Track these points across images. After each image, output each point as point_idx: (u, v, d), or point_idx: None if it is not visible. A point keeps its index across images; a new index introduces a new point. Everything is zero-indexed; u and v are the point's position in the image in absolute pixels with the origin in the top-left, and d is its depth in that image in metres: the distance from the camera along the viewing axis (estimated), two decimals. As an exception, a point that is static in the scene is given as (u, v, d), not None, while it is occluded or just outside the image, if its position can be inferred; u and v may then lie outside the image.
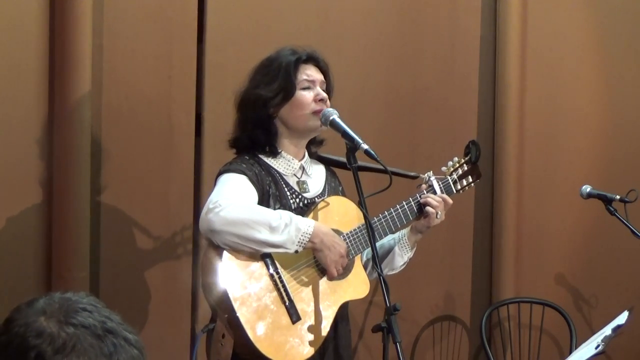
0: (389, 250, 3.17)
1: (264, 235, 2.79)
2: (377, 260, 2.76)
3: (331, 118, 2.94)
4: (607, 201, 4.00)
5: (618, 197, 3.97)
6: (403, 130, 4.37)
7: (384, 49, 4.31)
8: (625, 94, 4.70)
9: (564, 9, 4.60)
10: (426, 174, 3.17)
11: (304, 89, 3.00)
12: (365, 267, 3.13)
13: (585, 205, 4.22)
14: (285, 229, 2.81)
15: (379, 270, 2.74)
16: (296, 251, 2.85)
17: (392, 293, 2.71)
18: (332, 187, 3.14)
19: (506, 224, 4.49)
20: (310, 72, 3.03)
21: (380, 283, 2.73)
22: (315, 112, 2.98)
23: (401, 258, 3.17)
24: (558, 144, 4.64)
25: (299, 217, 2.87)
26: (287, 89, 2.98)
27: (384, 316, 2.68)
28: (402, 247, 3.16)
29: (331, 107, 3.03)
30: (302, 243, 2.83)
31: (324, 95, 3.01)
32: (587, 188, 4.06)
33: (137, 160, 3.84)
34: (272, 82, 2.99)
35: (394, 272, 3.20)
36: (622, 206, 3.94)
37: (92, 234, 3.72)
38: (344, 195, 3.15)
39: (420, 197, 3.11)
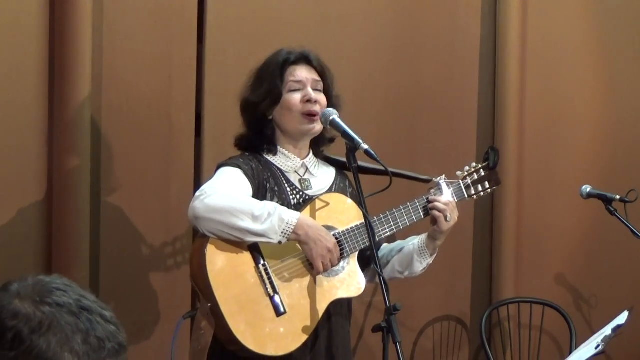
0: (408, 255, 3.12)
1: (246, 223, 2.78)
2: (377, 260, 2.75)
3: (331, 118, 2.93)
4: (607, 201, 4.00)
5: (618, 197, 3.98)
6: (403, 130, 4.36)
7: (384, 49, 4.30)
8: (625, 93, 4.70)
9: (564, 9, 4.59)
10: (438, 178, 3.15)
11: (293, 90, 2.99)
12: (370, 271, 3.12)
13: (585, 205, 4.22)
14: (268, 218, 2.79)
15: (379, 271, 2.73)
16: (280, 242, 2.81)
17: (392, 293, 2.71)
18: (341, 187, 3.11)
19: (506, 224, 4.48)
20: (299, 73, 3.00)
21: (380, 283, 2.72)
22: (304, 114, 2.97)
23: (420, 264, 3.12)
24: (558, 144, 4.63)
25: (285, 208, 2.85)
26: (274, 93, 2.98)
27: (384, 316, 2.67)
28: (421, 253, 3.11)
29: (333, 104, 3.02)
30: (285, 234, 2.80)
31: (312, 96, 2.98)
32: (587, 188, 4.06)
33: (137, 160, 3.84)
34: (260, 86, 3.00)
35: (413, 275, 3.17)
36: (622, 206, 3.95)
37: (92, 234, 3.72)
38: (352, 197, 3.11)
39: (426, 199, 3.08)
